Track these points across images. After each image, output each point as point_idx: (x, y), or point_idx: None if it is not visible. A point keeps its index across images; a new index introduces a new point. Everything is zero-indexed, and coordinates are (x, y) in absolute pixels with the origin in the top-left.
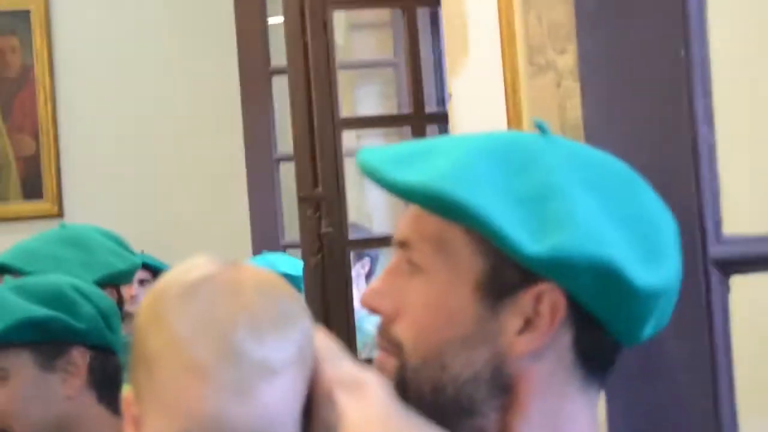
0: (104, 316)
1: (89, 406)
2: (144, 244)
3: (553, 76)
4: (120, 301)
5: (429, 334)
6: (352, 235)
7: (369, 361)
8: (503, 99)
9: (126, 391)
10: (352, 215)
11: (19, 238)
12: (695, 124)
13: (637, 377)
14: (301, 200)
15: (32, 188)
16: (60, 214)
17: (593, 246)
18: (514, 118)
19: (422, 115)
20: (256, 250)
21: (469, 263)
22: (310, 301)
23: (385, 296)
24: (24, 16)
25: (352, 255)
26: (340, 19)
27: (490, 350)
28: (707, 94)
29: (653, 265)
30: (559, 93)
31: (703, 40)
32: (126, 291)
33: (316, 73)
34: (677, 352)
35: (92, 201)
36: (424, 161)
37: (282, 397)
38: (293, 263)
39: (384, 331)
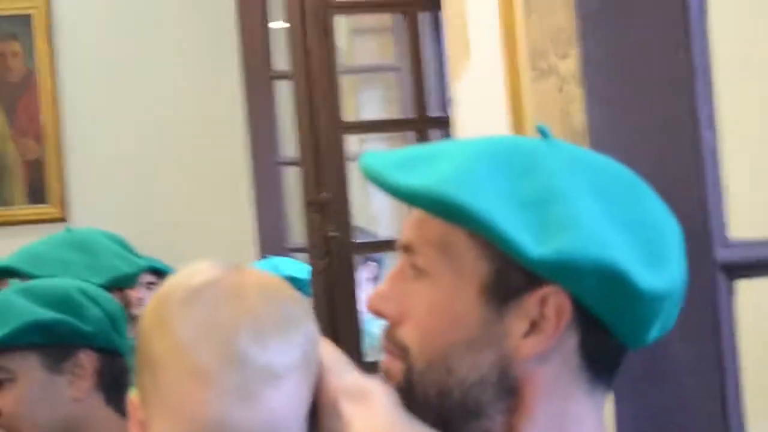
0: (111, 319)
1: (96, 408)
2: (149, 248)
3: (555, 80)
4: (126, 304)
5: (434, 338)
6: (358, 239)
7: (375, 364)
8: (505, 103)
9: (132, 395)
10: (358, 219)
11: (23, 243)
12: (698, 128)
13: (645, 380)
14: (307, 204)
15: (37, 192)
16: (64, 218)
17: (597, 249)
18: (516, 122)
19: (425, 119)
20: (262, 254)
21: (474, 267)
22: (317, 304)
23: (389, 300)
24: (25, 20)
25: (358, 259)
26: (342, 23)
27: (495, 353)
28: (710, 98)
29: (657, 268)
30: (561, 97)
31: (704, 44)
32: (132, 294)
33: (318, 77)
34: (684, 355)
35: (97, 205)
36: (427, 165)
37: (286, 402)
38: (299, 267)
39: (389, 334)
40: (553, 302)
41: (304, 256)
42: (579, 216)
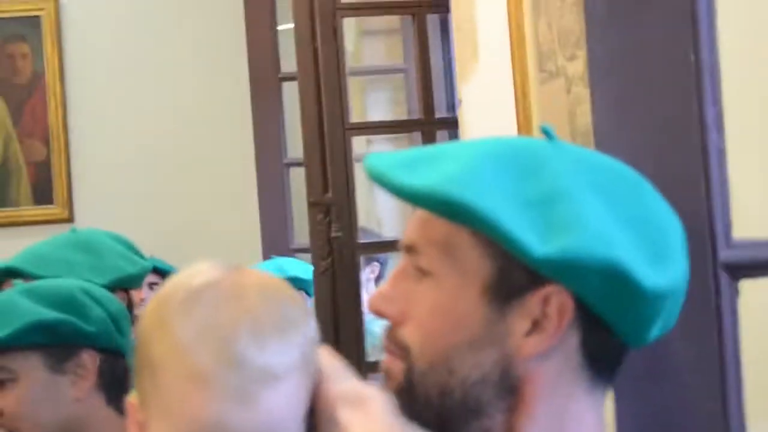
0: (114, 320)
1: (98, 408)
2: (154, 249)
3: (562, 82)
4: (130, 305)
5: (436, 338)
6: (362, 240)
7: (377, 363)
8: (513, 105)
9: (131, 396)
10: (362, 220)
11: (29, 243)
12: (705, 130)
13: (646, 379)
14: (312, 205)
15: (43, 193)
16: (70, 218)
17: (601, 248)
18: (524, 123)
19: (432, 120)
20: (266, 255)
21: (477, 266)
22: (320, 304)
23: (392, 301)
24: (34, 22)
25: (361, 259)
26: (350, 25)
27: (497, 352)
28: (717, 99)
29: (660, 266)
30: (569, 99)
31: (712, 46)
32: (136, 295)
33: (326, 79)
34: (686, 355)
35: (102, 206)
36: (431, 166)
37: (285, 403)
38: (303, 267)
39: (391, 334)
40: (555, 301)
41: (308, 256)
42: (583, 216)
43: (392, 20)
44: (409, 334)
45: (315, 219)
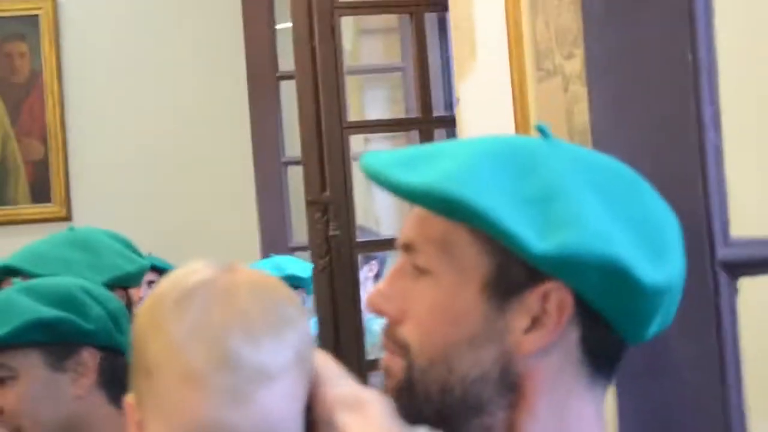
0: (113, 318)
1: (99, 406)
2: (152, 247)
3: (560, 80)
4: (128, 303)
5: (436, 336)
6: (360, 238)
7: (376, 362)
8: (511, 103)
9: (128, 396)
10: (360, 218)
11: (27, 241)
12: (702, 128)
13: (646, 377)
14: (309, 203)
15: (41, 192)
16: (68, 217)
17: (600, 244)
18: (521, 122)
19: (430, 119)
20: (265, 253)
21: (475, 264)
22: (319, 303)
23: (390, 299)
24: (33, 21)
25: (360, 257)
26: (348, 24)
27: (497, 349)
28: (714, 98)
29: (658, 262)
30: (567, 98)
31: (710, 44)
32: (134, 293)
33: (324, 77)
34: (685, 352)
35: (100, 204)
36: (428, 164)
37: (281, 402)
38: (301, 266)
39: (390, 332)
40: (554, 298)
41: (307, 254)
42: (581, 212)
43: (390, 19)
44: (408, 332)
45: (313, 217)
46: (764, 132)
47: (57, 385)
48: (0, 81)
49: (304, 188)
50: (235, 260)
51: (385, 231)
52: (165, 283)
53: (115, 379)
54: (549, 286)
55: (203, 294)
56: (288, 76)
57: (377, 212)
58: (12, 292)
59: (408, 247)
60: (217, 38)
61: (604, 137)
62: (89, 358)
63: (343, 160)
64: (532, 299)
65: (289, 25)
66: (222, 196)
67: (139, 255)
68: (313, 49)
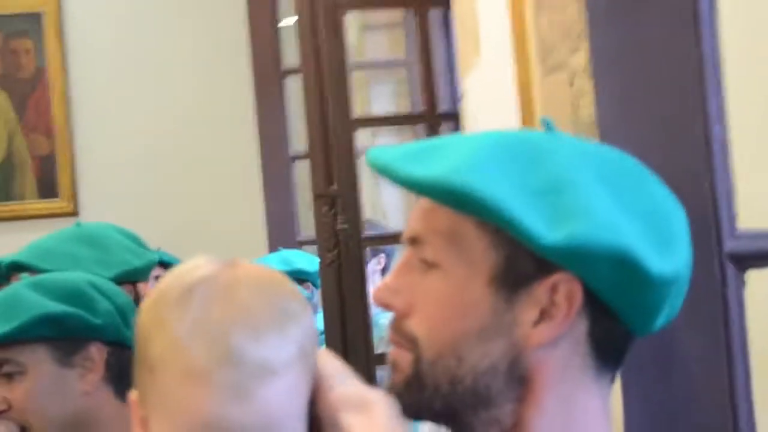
0: (121, 313)
1: (106, 401)
2: (160, 242)
3: (565, 75)
4: (137, 298)
5: (444, 327)
6: (368, 232)
7: (384, 356)
8: (516, 98)
9: (132, 393)
10: (368, 212)
11: (34, 237)
12: (708, 121)
13: (653, 370)
14: (317, 197)
15: (47, 187)
16: (75, 212)
17: (609, 234)
18: (526, 117)
19: (435, 114)
20: (272, 247)
21: (483, 256)
22: (327, 296)
23: (397, 293)
24: (37, 18)
25: (367, 251)
26: (352, 19)
27: (506, 342)
28: (719, 91)
29: (666, 253)
30: (572, 92)
31: (714, 38)
32: (142, 288)
33: (329, 73)
34: (692, 345)
35: (107, 199)
36: (435, 157)
37: (284, 397)
38: (309, 260)
39: (397, 326)
40: (563, 289)
41: (314, 248)
42: (590, 203)
43: (394, 14)
44: (415, 325)
45: (320, 211)
46: None
47: (64, 381)
48: (6, 77)
49: (311, 182)
50: (242, 255)
51: (393, 225)
52: (167, 279)
53: (123, 374)
54: (557, 278)
55: (205, 290)
56: (293, 71)
57: (385, 206)
58: (19, 287)
59: (414, 241)
60: (221, 34)
61: (609, 131)
62: (97, 353)
63: (350, 154)
64: (540, 291)
65: (293, 20)
66: (229, 191)
67: (147, 250)
68: (318, 45)
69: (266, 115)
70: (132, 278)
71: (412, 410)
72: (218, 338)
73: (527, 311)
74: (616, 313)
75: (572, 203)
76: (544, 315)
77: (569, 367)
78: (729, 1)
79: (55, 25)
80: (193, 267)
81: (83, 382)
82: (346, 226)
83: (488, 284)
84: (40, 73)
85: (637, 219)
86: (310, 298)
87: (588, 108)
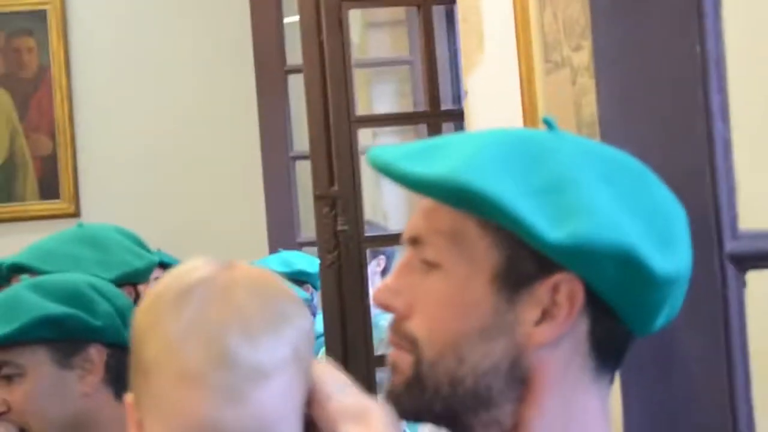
0: (121, 314)
1: (106, 403)
2: (160, 243)
3: (568, 72)
4: (137, 300)
5: (445, 328)
6: (368, 233)
7: (384, 357)
8: (519, 96)
9: (127, 396)
10: (368, 213)
11: (35, 238)
12: (711, 120)
13: (653, 371)
14: (318, 198)
15: (49, 188)
16: (77, 213)
17: (613, 233)
18: (529, 115)
19: (438, 112)
20: (273, 248)
21: (485, 255)
22: (327, 298)
23: (397, 294)
24: (41, 16)
25: (368, 252)
26: (355, 17)
27: (508, 342)
28: (722, 89)
29: (668, 252)
30: (575, 90)
31: (718, 36)
32: (143, 289)
33: (331, 71)
34: (693, 346)
35: (109, 200)
36: (438, 156)
37: (278, 399)
38: (310, 261)
39: (397, 327)
40: (565, 289)
41: (315, 249)
42: (592, 202)
43: (397, 12)
44: (415, 326)
45: (321, 212)
46: None
47: (64, 383)
48: (8, 76)
49: (312, 183)
50: (242, 256)
51: (394, 226)
52: (164, 281)
53: (123, 376)
54: (559, 277)
55: (201, 292)
56: (296, 70)
57: (385, 207)
58: (19, 288)
59: (415, 241)
60: (224, 33)
61: (612, 129)
62: (96, 355)
63: (352, 154)
64: (542, 291)
65: (297, 18)
66: (230, 191)
67: (148, 251)
68: (320, 43)
69: (268, 115)
70: (133, 280)
71: (413, 412)
72: (213, 341)
73: (529, 311)
74: (617, 313)
75: (575, 202)
76: (545, 315)
77: (570, 367)
78: None
79: (58, 24)
80: (190, 269)
81: (83, 383)
82: (346, 227)
83: (490, 284)
84: (42, 72)
85: (638, 218)
86: (310, 300)
87: (590, 106)
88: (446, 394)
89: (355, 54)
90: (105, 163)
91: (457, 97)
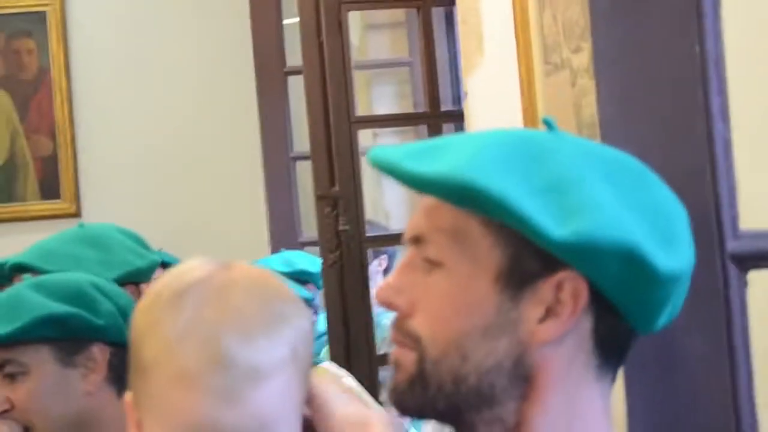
0: (123, 313)
1: (108, 402)
2: (162, 243)
3: (568, 74)
4: (140, 299)
5: (448, 326)
6: (370, 233)
7: (387, 356)
8: (518, 97)
9: (127, 395)
10: (369, 213)
11: (36, 238)
12: (711, 121)
13: (656, 371)
14: (319, 198)
15: (50, 188)
16: (77, 213)
17: (617, 231)
18: (529, 116)
19: (438, 113)
20: (274, 248)
21: (488, 254)
22: (329, 297)
23: (400, 292)
24: (40, 17)
25: (369, 252)
26: (355, 19)
27: (511, 340)
28: (722, 90)
29: (670, 250)
30: (574, 91)
31: (717, 36)
32: (145, 289)
33: (331, 72)
34: (695, 347)
35: (109, 200)
36: (439, 155)
37: (277, 399)
38: (311, 260)
39: (399, 325)
40: (568, 287)
41: (316, 249)
42: (596, 200)
43: (397, 13)
44: (419, 324)
45: (322, 212)
46: None
47: (67, 381)
48: (8, 78)
49: (313, 183)
50: (244, 256)
51: (395, 225)
52: (162, 281)
53: (125, 375)
54: (563, 275)
55: (198, 292)
56: (296, 71)
57: (387, 207)
58: (22, 288)
59: (417, 240)
60: (224, 34)
61: (612, 130)
62: (99, 353)
63: (352, 154)
64: (545, 289)
65: (297, 20)
66: (231, 191)
67: (150, 251)
68: (320, 44)
69: (269, 116)
70: (135, 279)
71: (416, 409)
72: (210, 341)
73: (532, 309)
74: (619, 311)
75: (578, 200)
76: (549, 312)
77: (573, 364)
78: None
79: (58, 25)
80: (188, 269)
81: (86, 382)
82: (348, 227)
83: (493, 282)
84: (42, 73)
85: (641, 217)
86: (312, 299)
87: (590, 107)
88: (449, 391)
89: (355, 56)
90: (105, 164)
91: (457, 98)
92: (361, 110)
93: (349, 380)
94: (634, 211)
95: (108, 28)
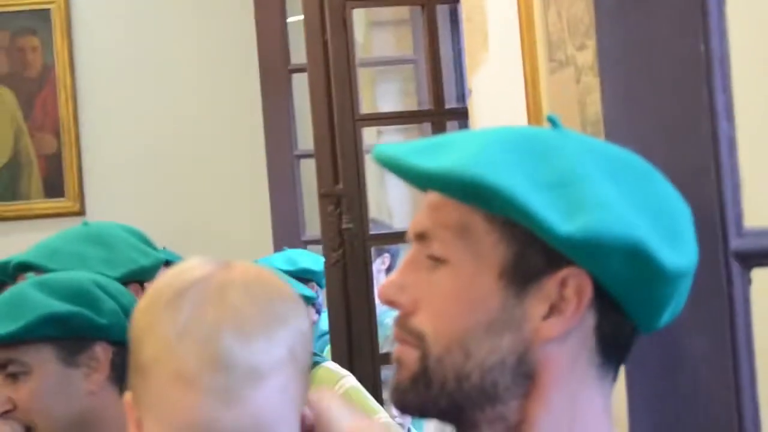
0: (126, 312)
1: (111, 401)
2: (165, 241)
3: (572, 71)
4: None
5: (452, 322)
6: (373, 231)
7: (389, 355)
8: (523, 95)
9: (126, 395)
10: (373, 211)
11: (40, 237)
12: (715, 119)
13: (659, 369)
14: (322, 196)
15: (54, 186)
16: (81, 212)
17: (623, 227)
18: (533, 113)
19: (442, 111)
20: (278, 247)
21: (493, 250)
22: (332, 296)
23: (403, 289)
24: (44, 15)
25: (372, 250)
26: (359, 16)
27: (515, 336)
28: (727, 88)
29: (675, 246)
30: (579, 89)
31: (722, 34)
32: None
33: (336, 70)
34: (698, 345)
35: (114, 199)
36: (444, 151)
37: (275, 399)
38: (314, 259)
39: (403, 323)
40: (573, 283)
41: (320, 248)
42: (602, 197)
43: (401, 11)
44: (422, 321)
45: (326, 210)
46: None
47: (70, 381)
48: (12, 75)
49: (316, 181)
50: (247, 254)
51: (398, 224)
52: (161, 281)
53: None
54: (567, 272)
55: (197, 292)
56: (300, 69)
57: (390, 205)
58: (25, 286)
59: (421, 237)
60: (228, 32)
61: (616, 128)
62: (102, 352)
63: (356, 152)
64: (550, 286)
65: (301, 17)
66: (235, 189)
67: (154, 249)
68: (325, 42)
69: (273, 114)
70: (139, 277)
71: (418, 407)
72: (208, 341)
73: (537, 306)
74: (623, 309)
75: (584, 196)
76: (553, 309)
77: (577, 362)
78: None
79: (62, 23)
80: (188, 268)
81: (88, 381)
82: (351, 225)
83: (497, 279)
84: (47, 71)
85: (645, 214)
86: (315, 298)
87: (595, 105)
88: (452, 389)
89: (359, 53)
90: (110, 162)
91: (462, 95)
92: (365, 108)
93: (350, 380)
94: (639, 208)
95: (112, 26)
